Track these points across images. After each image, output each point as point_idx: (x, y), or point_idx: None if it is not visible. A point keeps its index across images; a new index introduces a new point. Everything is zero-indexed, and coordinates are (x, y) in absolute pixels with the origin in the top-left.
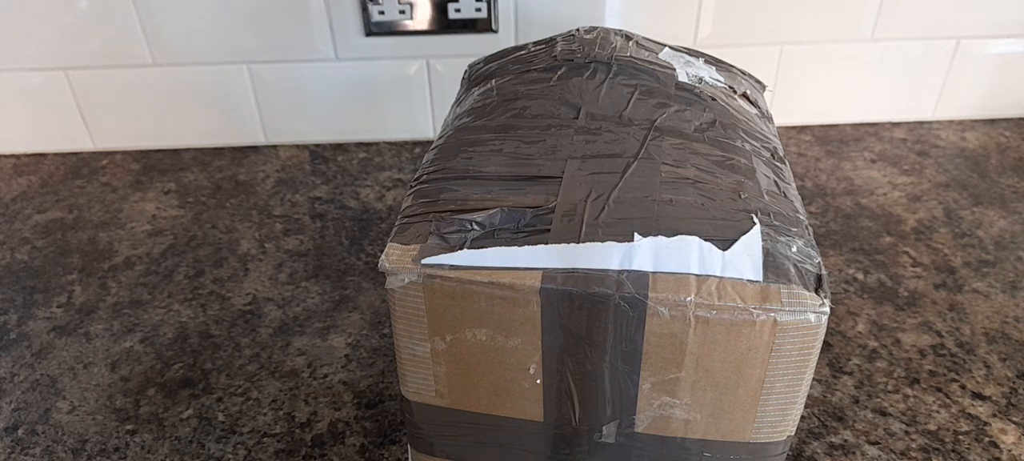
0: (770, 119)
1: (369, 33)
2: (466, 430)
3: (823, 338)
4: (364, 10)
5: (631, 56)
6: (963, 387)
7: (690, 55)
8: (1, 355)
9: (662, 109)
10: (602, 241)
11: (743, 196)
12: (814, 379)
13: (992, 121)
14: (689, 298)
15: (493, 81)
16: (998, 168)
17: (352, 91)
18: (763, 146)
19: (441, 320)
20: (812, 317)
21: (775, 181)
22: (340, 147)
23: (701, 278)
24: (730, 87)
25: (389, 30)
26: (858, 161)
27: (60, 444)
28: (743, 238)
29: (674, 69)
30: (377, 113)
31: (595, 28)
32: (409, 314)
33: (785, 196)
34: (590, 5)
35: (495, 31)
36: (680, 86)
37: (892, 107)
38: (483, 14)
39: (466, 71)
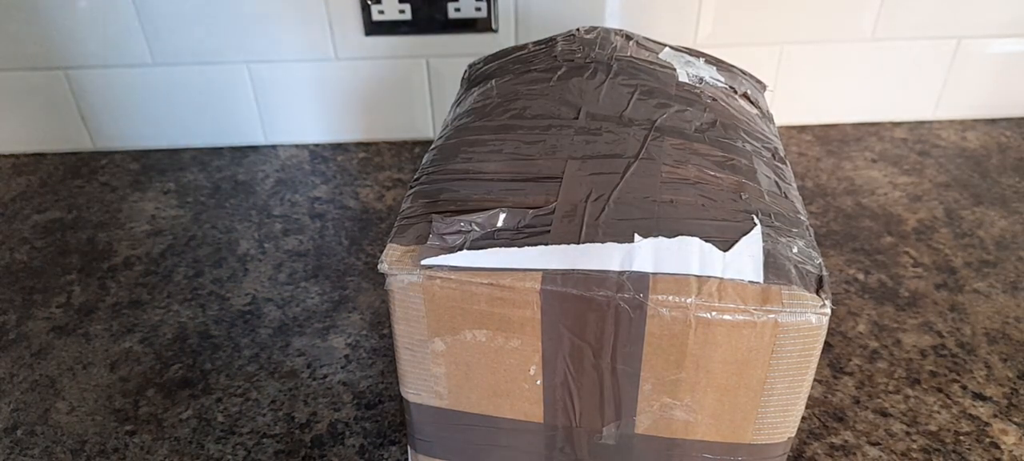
0: (771, 119)
1: (369, 33)
2: (466, 431)
3: (824, 339)
4: (364, 10)
5: (631, 56)
6: (964, 388)
7: (690, 55)
8: (0, 355)
9: (662, 109)
10: (602, 242)
11: (744, 196)
12: (815, 380)
13: (993, 121)
14: (690, 299)
15: (493, 81)
16: (999, 168)
17: (352, 91)
18: (764, 146)
19: (441, 321)
20: (813, 318)
21: (776, 181)
22: (340, 147)
23: (702, 279)
24: (731, 87)
25: (389, 30)
26: (859, 161)
27: (59, 445)
28: (744, 239)
29: (674, 69)
30: (377, 113)
31: (595, 28)
32: (409, 315)
33: (786, 196)
34: (590, 5)
35: (495, 31)
36: (680, 86)
37: (892, 107)
38: (483, 14)
39: (466, 71)
